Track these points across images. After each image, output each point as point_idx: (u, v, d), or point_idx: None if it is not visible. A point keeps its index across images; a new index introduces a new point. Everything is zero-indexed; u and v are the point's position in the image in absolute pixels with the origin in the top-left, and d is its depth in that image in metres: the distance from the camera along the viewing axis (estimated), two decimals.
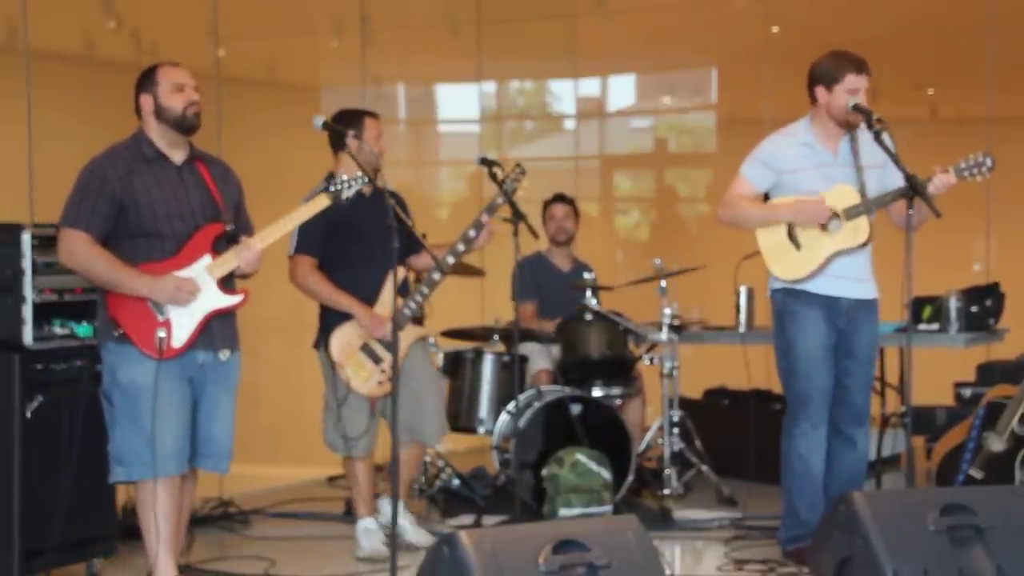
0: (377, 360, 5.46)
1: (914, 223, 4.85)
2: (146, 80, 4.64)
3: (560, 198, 7.34)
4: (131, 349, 4.49)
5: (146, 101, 4.62)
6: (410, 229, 5.63)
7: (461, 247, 5.51)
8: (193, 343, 4.55)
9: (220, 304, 4.60)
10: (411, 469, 5.87)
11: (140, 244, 4.53)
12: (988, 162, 4.97)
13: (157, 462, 4.48)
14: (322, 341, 5.53)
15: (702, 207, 10.37)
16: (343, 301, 5.48)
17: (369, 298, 5.48)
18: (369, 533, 5.63)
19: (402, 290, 5.55)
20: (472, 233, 5.51)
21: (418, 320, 5.68)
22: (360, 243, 5.46)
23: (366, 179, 4.83)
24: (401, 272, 5.58)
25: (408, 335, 5.54)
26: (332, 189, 4.80)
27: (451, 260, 5.51)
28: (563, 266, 7.19)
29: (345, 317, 5.48)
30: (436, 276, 5.50)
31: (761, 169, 5.28)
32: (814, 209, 5.12)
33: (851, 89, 5.12)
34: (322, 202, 4.79)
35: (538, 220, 6.85)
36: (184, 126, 4.62)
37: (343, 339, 5.47)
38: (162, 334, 4.49)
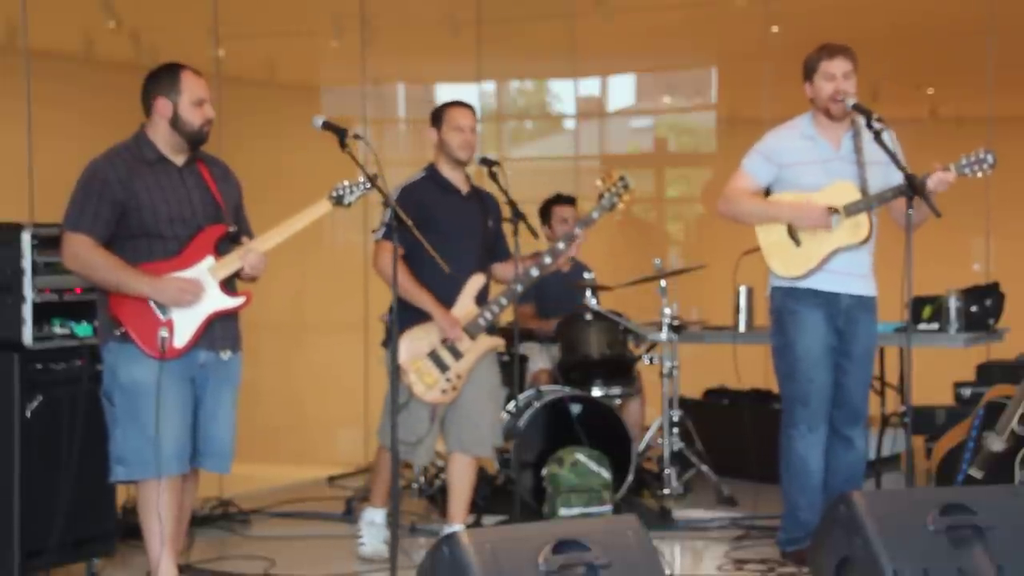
0: (444, 368, 5.34)
1: (914, 222, 4.85)
2: (167, 82, 4.58)
3: (567, 200, 7.20)
4: (132, 348, 4.49)
5: (164, 106, 4.58)
6: (499, 236, 5.60)
7: (548, 260, 5.36)
8: (195, 343, 4.55)
9: (222, 305, 4.60)
10: (465, 483, 5.53)
11: (142, 246, 4.53)
12: (990, 158, 4.96)
13: (159, 462, 4.48)
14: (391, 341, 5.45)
15: (701, 207, 10.38)
16: (422, 298, 5.31)
17: (448, 299, 5.37)
18: (374, 527, 5.60)
19: (484, 297, 5.47)
20: (561, 246, 5.37)
21: (492, 330, 5.51)
22: (446, 242, 5.24)
23: (368, 185, 4.80)
24: (484, 279, 5.47)
25: (480, 345, 5.40)
26: (334, 195, 4.78)
27: (535, 273, 5.35)
28: (562, 265, 7.16)
29: (416, 320, 5.35)
30: (518, 288, 5.36)
31: (763, 163, 5.27)
32: (814, 215, 5.11)
33: (826, 75, 5.12)
34: (323, 207, 4.77)
35: (535, 220, 6.81)
36: (197, 140, 4.62)
37: (411, 344, 5.33)
38: (164, 334, 4.48)
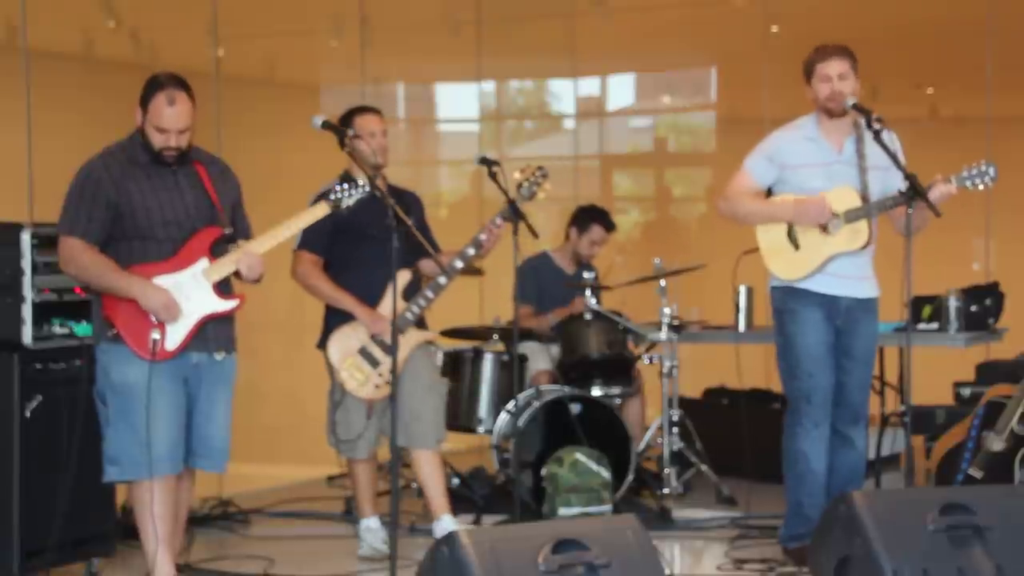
0: (375, 363, 5.42)
1: (914, 226, 4.84)
2: (145, 95, 4.56)
3: (609, 225, 7.12)
4: (124, 349, 4.49)
5: (138, 114, 4.59)
6: (423, 232, 5.64)
7: (471, 251, 5.42)
8: (187, 345, 4.55)
9: (215, 308, 4.59)
10: (434, 475, 5.56)
11: (136, 247, 4.53)
12: (991, 171, 4.95)
13: (151, 462, 4.48)
14: (324, 342, 5.52)
15: (701, 206, 10.38)
16: (343, 300, 5.45)
17: (374, 299, 5.43)
18: (371, 532, 5.63)
19: (413, 292, 5.50)
20: (483, 237, 5.42)
21: (422, 324, 5.60)
22: (368, 243, 5.40)
23: (367, 186, 4.81)
24: (409, 275, 5.52)
25: (410, 339, 5.47)
26: (332, 197, 4.79)
27: (459, 264, 5.42)
28: (567, 267, 7.17)
29: (348, 318, 5.46)
30: (442, 281, 5.42)
31: (766, 164, 5.26)
32: (815, 209, 5.11)
33: (822, 76, 5.13)
34: (321, 210, 4.77)
35: (546, 219, 6.78)
36: (157, 160, 4.59)
37: (341, 342, 5.44)
38: (156, 335, 4.48)
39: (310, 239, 5.46)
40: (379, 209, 5.36)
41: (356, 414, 5.48)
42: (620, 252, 10.03)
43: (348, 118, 5.60)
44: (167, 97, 4.52)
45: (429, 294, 5.44)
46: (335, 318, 5.51)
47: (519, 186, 5.47)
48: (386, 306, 5.39)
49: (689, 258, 7.09)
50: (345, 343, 5.44)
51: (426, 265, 5.62)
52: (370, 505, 5.68)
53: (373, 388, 5.42)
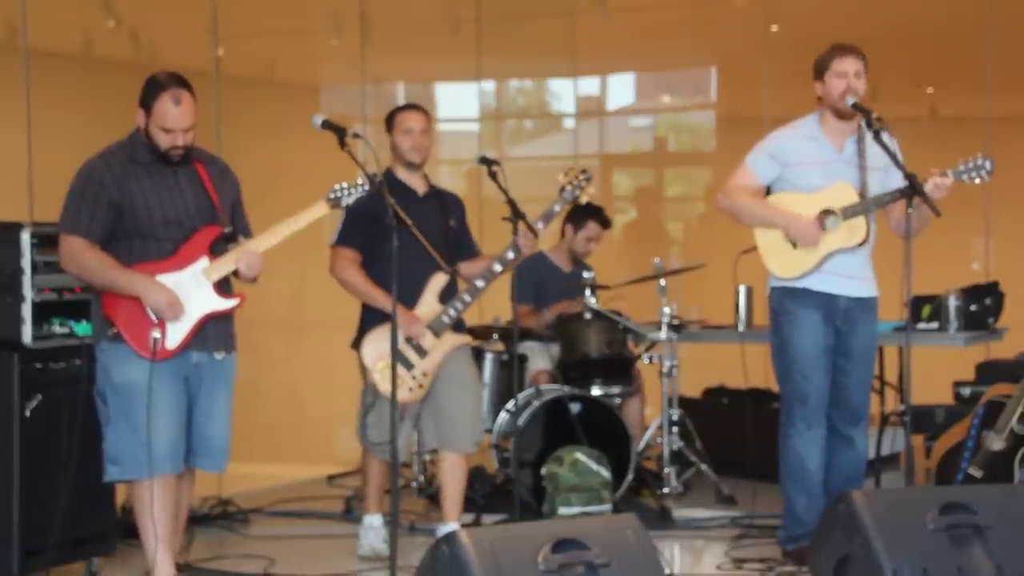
0: (409, 366, 5.34)
1: (914, 227, 4.84)
2: (147, 96, 4.56)
3: (604, 222, 7.15)
4: (125, 348, 4.49)
5: (140, 116, 4.58)
6: (462, 235, 5.62)
7: (510, 255, 5.35)
8: (187, 345, 4.55)
9: (216, 307, 4.60)
10: (456, 480, 5.53)
11: (137, 246, 4.54)
12: (988, 165, 4.96)
13: (151, 461, 4.48)
14: (359, 342, 5.45)
15: (701, 206, 10.38)
16: (379, 298, 5.33)
17: (411, 298, 5.36)
18: (372, 531, 5.62)
19: (449, 295, 5.45)
20: (521, 241, 5.34)
21: (459, 327, 5.53)
22: (406, 241, 5.25)
23: (367, 186, 4.80)
24: (446, 277, 5.44)
25: (446, 342, 5.41)
26: (332, 196, 4.78)
27: (498, 268, 5.36)
28: (564, 266, 7.18)
29: (383, 319, 5.37)
30: (480, 284, 5.37)
31: (767, 161, 5.27)
32: (805, 234, 5.11)
33: (838, 72, 5.14)
34: (320, 209, 4.76)
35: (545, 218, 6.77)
36: (163, 159, 4.59)
37: (375, 343, 5.35)
38: (157, 335, 4.48)
39: (347, 234, 5.43)
40: (420, 206, 5.34)
41: (388, 417, 5.41)
42: (619, 250, 10.04)
43: (392, 115, 5.59)
44: (172, 97, 4.52)
45: (467, 298, 5.39)
46: (371, 318, 5.41)
47: (562, 189, 5.46)
48: (423, 308, 5.37)
49: (689, 257, 7.09)
50: (379, 345, 5.32)
51: (466, 268, 5.59)
52: (377, 502, 5.66)
53: (407, 391, 5.34)
